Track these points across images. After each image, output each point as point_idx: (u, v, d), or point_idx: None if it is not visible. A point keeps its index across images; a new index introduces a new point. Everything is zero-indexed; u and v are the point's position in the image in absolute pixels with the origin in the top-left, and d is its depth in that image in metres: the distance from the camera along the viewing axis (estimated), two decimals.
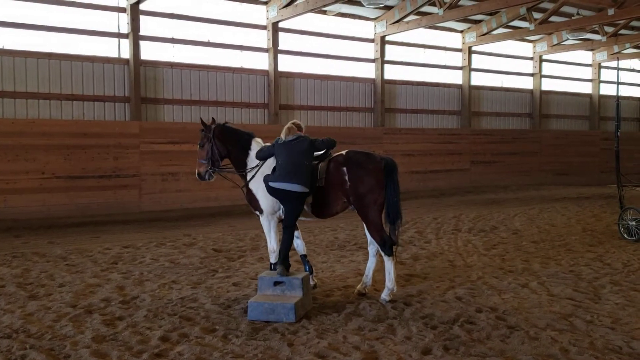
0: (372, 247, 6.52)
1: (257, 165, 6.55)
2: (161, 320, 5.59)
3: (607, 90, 25.10)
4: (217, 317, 5.69)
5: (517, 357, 4.71)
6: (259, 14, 15.90)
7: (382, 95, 18.28)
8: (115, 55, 13.93)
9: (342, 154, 6.37)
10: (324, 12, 16.79)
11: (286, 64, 16.49)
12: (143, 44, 14.10)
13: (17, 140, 12.15)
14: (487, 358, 4.68)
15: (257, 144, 6.67)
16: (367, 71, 18.24)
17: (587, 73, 24.78)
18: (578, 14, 18.32)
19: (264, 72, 16.05)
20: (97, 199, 13.10)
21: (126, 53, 13.94)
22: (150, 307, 6.03)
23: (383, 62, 18.26)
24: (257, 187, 6.50)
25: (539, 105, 22.71)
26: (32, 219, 12.02)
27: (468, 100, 20.43)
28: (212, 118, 7.01)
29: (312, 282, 6.52)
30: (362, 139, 17.43)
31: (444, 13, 16.41)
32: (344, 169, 6.20)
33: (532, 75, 22.75)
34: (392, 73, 18.77)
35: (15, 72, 12.61)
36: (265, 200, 6.43)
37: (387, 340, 5.07)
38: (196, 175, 6.77)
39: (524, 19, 18.63)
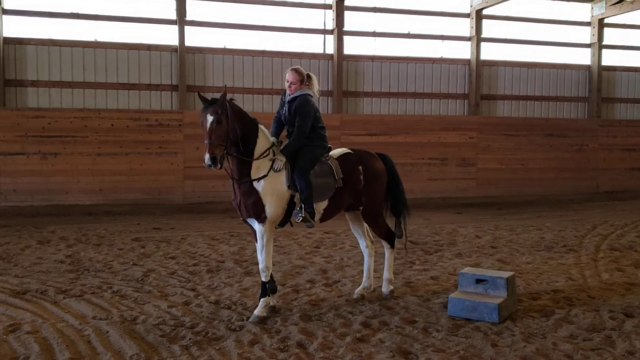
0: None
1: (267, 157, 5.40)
2: (362, 306, 5.74)
3: None
4: (416, 308, 5.67)
5: None
6: (460, 3, 15.48)
7: (599, 83, 16.52)
8: (321, 51, 14.65)
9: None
10: None
11: (489, 51, 15.80)
12: (346, 39, 14.60)
13: None
14: None
15: (262, 133, 5.48)
16: (581, 57, 16.65)
17: None
18: None
19: (465, 62, 15.56)
20: None
21: (330, 49, 14.58)
22: (351, 292, 6.22)
23: (601, 47, 16.50)
24: (266, 187, 5.35)
25: None
26: None
27: None
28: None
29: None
30: (574, 131, 16.00)
31: None
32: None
33: None
34: (611, 59, 16.88)
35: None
36: (274, 204, 5.39)
37: (604, 352, 4.57)
38: (208, 161, 5.02)
39: None
